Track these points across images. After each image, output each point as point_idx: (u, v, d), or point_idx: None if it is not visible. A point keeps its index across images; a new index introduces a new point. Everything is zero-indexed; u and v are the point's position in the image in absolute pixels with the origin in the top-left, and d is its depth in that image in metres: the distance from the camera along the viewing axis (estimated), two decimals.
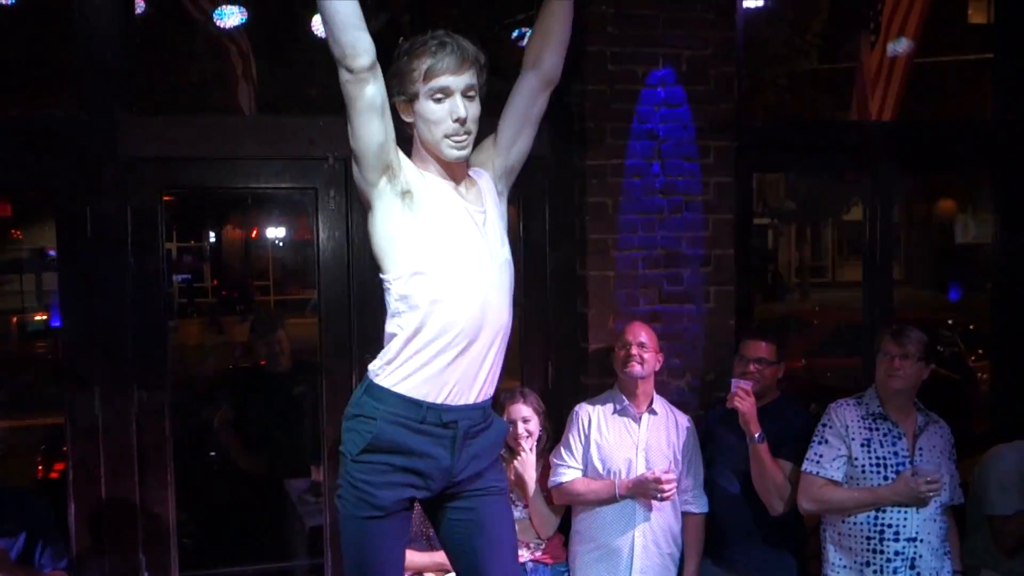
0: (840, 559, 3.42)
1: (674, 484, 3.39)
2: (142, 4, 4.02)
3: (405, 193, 2.28)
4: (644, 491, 3.40)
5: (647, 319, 3.79)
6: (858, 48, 5.03)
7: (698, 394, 3.98)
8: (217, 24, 4.50)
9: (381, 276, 2.36)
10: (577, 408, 3.64)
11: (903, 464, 3.32)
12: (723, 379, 3.67)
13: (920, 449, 3.36)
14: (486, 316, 2.32)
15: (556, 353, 4.00)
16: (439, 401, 2.30)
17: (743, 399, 3.44)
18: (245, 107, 4.13)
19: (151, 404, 3.63)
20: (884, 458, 3.34)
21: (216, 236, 20.22)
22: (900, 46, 4.70)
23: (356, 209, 3.78)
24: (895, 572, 3.29)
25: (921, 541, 3.30)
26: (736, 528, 3.59)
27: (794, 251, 23.93)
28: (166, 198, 3.82)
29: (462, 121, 2.25)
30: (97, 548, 3.59)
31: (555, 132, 3.95)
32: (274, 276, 20.50)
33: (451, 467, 2.35)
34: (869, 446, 3.37)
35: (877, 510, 3.31)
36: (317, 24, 5.05)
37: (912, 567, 3.30)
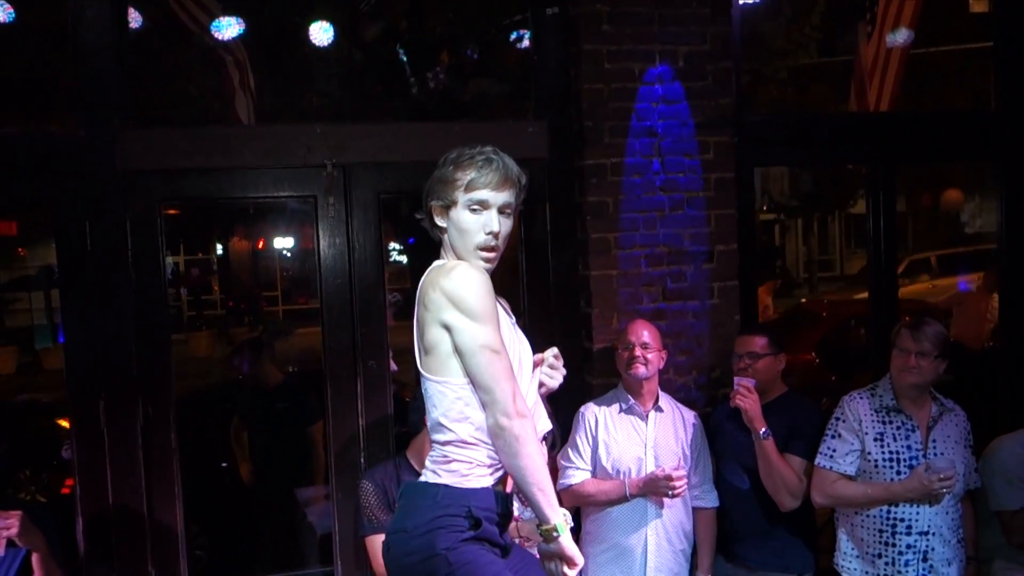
0: (852, 549, 3.41)
1: (685, 480, 3.37)
2: (137, 18, 4.02)
3: None
4: (655, 489, 3.38)
5: (651, 317, 3.77)
6: (855, 39, 5.01)
7: (705, 391, 3.96)
8: (214, 35, 4.50)
9: (441, 380, 2.34)
10: (583, 409, 3.62)
11: (916, 458, 3.29)
12: (729, 375, 3.65)
13: (934, 441, 3.33)
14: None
15: (560, 352, 3.96)
16: (507, 490, 2.44)
17: (745, 396, 3.43)
18: (243, 117, 4.13)
19: (156, 417, 3.63)
20: (897, 452, 3.32)
21: (223, 248, 20.25)
22: (898, 36, 4.67)
23: (356, 215, 3.78)
24: (907, 564, 3.27)
25: (933, 535, 3.27)
26: (748, 524, 3.57)
27: (801, 245, 23.85)
28: (171, 211, 3.81)
29: (494, 235, 2.33)
30: (106, 561, 3.58)
31: (553, 132, 3.95)
32: (282, 286, 20.53)
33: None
34: (882, 440, 3.34)
35: (890, 504, 3.29)
36: (314, 33, 5.06)
37: (924, 559, 3.28)
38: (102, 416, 3.56)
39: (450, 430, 2.33)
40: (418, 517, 2.31)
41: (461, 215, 2.33)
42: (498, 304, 2.40)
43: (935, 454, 3.30)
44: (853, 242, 24.40)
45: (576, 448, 3.55)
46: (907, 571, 3.28)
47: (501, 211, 2.34)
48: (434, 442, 2.40)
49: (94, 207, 3.56)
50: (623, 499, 3.45)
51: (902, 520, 3.28)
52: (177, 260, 19.67)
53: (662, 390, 3.62)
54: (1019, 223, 4.53)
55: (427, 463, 2.42)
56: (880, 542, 3.32)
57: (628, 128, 3.84)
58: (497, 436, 2.24)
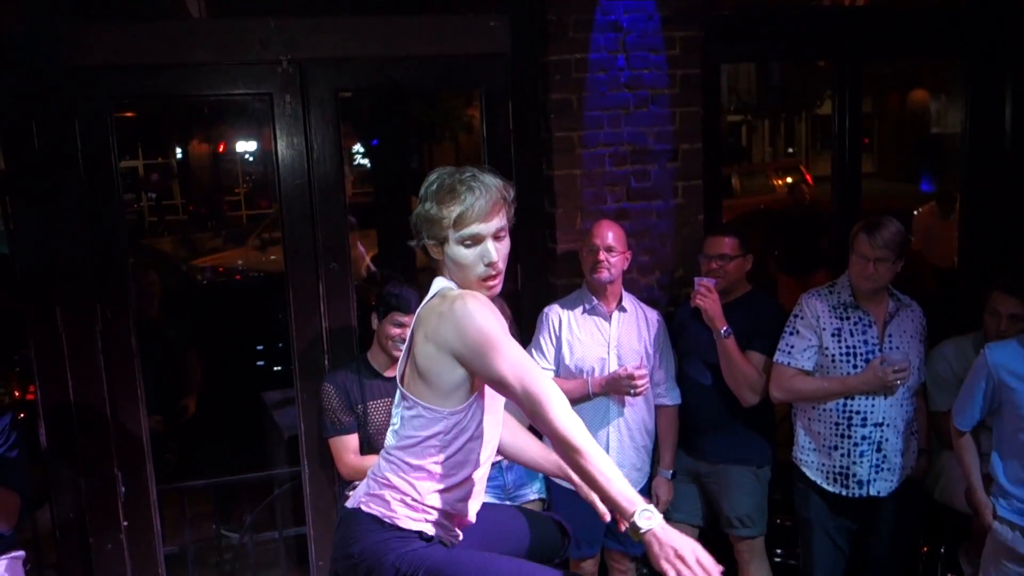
0: (809, 442, 3.49)
1: (647, 379, 3.41)
2: None
3: None
4: (617, 388, 3.42)
5: (614, 217, 3.75)
6: None
7: (668, 290, 3.97)
8: None
9: (424, 404, 2.22)
10: (547, 310, 3.63)
11: (873, 352, 3.35)
12: (693, 274, 3.67)
13: (890, 336, 3.39)
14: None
15: (524, 255, 3.96)
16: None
17: (705, 296, 3.45)
18: (192, 10, 3.96)
19: (115, 320, 3.58)
20: (854, 347, 3.37)
21: (183, 152, 19.81)
22: None
23: (313, 114, 3.68)
24: (861, 455, 3.37)
25: (887, 426, 3.36)
26: (709, 419, 3.64)
27: (767, 147, 23.83)
28: (127, 114, 3.67)
29: (493, 265, 2.20)
30: (71, 465, 3.59)
31: (515, 27, 3.83)
32: (244, 190, 20.20)
33: None
34: (840, 335, 3.39)
35: (846, 397, 3.36)
36: None
37: (878, 450, 3.37)
38: (59, 320, 3.50)
39: (408, 461, 2.25)
40: (364, 541, 2.24)
41: (455, 251, 2.19)
42: None
43: (891, 348, 3.36)
44: (819, 143, 24.39)
45: (539, 348, 3.57)
46: (861, 461, 3.38)
47: (496, 238, 2.19)
48: (389, 461, 2.29)
49: (41, 106, 3.42)
50: (586, 398, 3.49)
51: (857, 412, 3.36)
52: (136, 164, 19.21)
53: (626, 290, 3.63)
54: (983, 120, 4.52)
55: (371, 488, 2.31)
56: (836, 435, 3.40)
57: (593, 22, 3.74)
58: (556, 441, 2.09)
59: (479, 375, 2.16)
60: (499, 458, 3.55)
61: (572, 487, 3.53)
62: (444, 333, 2.13)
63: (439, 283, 2.25)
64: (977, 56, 4.46)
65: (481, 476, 2.35)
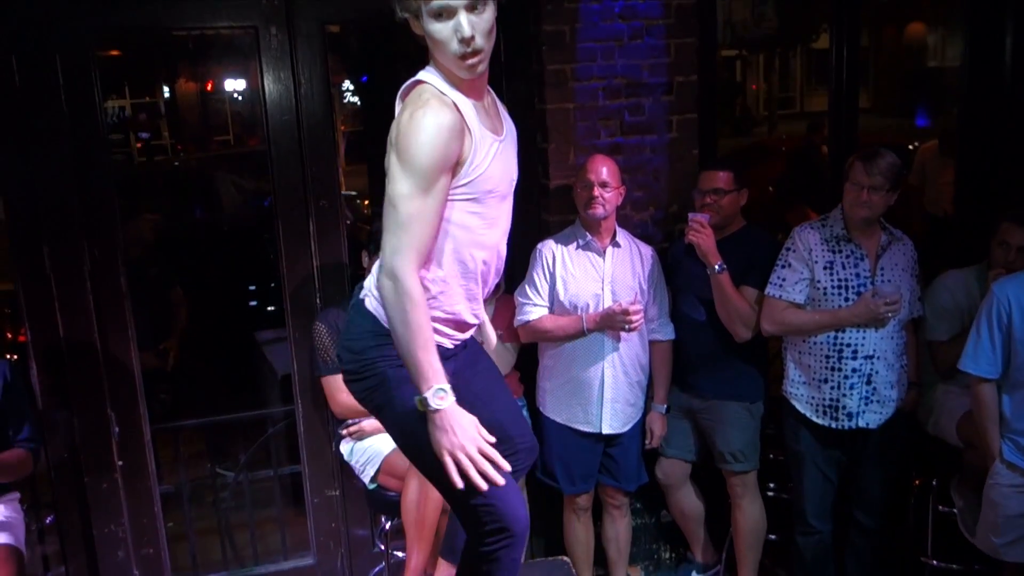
0: (799, 376, 3.50)
1: (641, 315, 3.40)
2: None
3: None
4: (612, 323, 3.42)
5: (608, 152, 3.70)
6: None
7: (662, 226, 3.94)
8: None
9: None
10: (540, 246, 3.60)
11: (864, 285, 3.34)
12: (687, 210, 3.63)
13: (882, 269, 3.38)
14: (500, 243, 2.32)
15: (516, 190, 3.89)
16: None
17: (698, 232, 3.43)
18: None
19: (104, 261, 3.54)
20: (846, 280, 3.36)
21: (170, 91, 19.49)
22: None
23: (300, 47, 3.60)
24: (851, 388, 3.38)
25: (878, 358, 3.37)
26: (703, 355, 3.65)
27: (762, 82, 23.56)
28: (113, 52, 3.57)
29: (467, 41, 2.02)
30: (64, 406, 3.58)
31: None
32: (234, 129, 19.95)
33: None
34: (832, 268, 3.38)
35: (837, 330, 3.36)
36: None
37: (868, 382, 3.38)
38: (47, 261, 3.46)
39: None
40: (362, 342, 2.22)
41: (429, 25, 2.03)
42: (469, 102, 2.15)
43: (883, 281, 3.36)
44: (814, 79, 24.12)
45: (533, 285, 3.55)
46: (851, 394, 3.39)
47: (471, 9, 2.01)
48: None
49: (19, 40, 3.32)
50: (580, 334, 3.48)
51: (848, 345, 3.36)
52: (123, 104, 18.93)
53: (620, 226, 3.60)
54: (982, 55, 4.44)
55: (368, 284, 2.27)
56: (826, 367, 3.41)
57: None
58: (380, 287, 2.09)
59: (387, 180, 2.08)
60: None
61: (560, 421, 3.57)
62: (392, 137, 2.06)
63: (422, 75, 2.14)
64: None
65: (478, 278, 2.26)
